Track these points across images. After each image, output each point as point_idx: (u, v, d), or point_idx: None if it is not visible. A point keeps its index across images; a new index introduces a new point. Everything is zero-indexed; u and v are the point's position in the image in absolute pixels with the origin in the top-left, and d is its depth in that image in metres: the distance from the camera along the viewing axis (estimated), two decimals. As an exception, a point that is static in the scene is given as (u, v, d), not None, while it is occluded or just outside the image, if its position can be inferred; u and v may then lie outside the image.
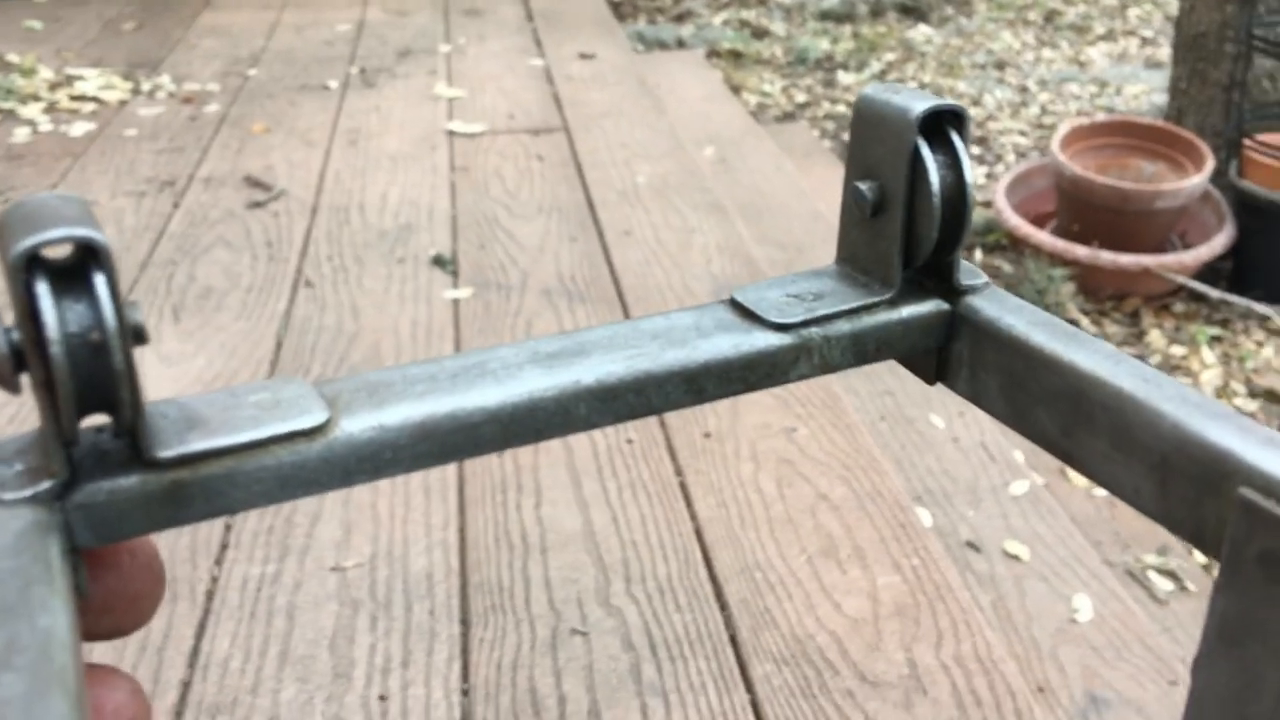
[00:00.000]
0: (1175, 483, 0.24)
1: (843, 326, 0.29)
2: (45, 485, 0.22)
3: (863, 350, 0.30)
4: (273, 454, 0.24)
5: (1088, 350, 0.27)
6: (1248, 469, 0.22)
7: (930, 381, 0.31)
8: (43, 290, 0.21)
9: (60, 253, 0.21)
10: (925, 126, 0.27)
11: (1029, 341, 0.28)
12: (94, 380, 0.21)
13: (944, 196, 0.28)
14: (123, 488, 0.23)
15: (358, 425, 0.24)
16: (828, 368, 0.29)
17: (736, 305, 0.29)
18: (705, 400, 0.29)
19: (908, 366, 0.32)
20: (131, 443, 0.23)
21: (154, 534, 0.24)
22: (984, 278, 0.30)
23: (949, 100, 0.27)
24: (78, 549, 0.23)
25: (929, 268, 0.30)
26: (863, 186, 0.29)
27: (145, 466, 0.23)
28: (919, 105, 0.27)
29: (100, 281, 0.21)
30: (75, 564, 0.23)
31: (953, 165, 0.28)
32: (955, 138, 0.28)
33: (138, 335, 0.22)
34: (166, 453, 0.23)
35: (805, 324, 0.29)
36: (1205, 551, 0.24)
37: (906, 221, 0.28)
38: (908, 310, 0.30)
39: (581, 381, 0.26)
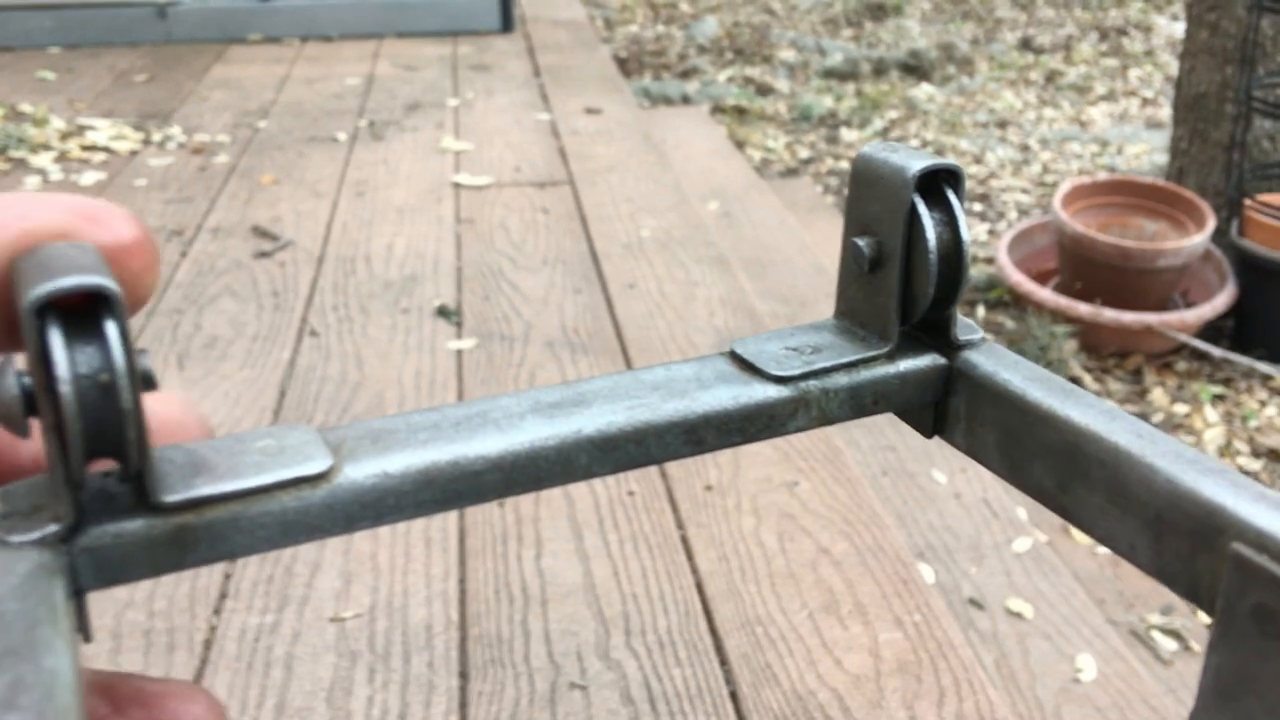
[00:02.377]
0: (1170, 538, 0.24)
1: (841, 380, 0.29)
2: (51, 528, 0.22)
3: (860, 403, 0.30)
4: (277, 499, 0.24)
5: (1083, 406, 0.27)
6: (1240, 524, 0.23)
7: (928, 435, 0.32)
8: (55, 337, 0.21)
9: (73, 300, 0.22)
10: (922, 185, 0.28)
11: (1025, 396, 0.28)
12: (102, 425, 0.22)
13: (940, 253, 0.28)
14: (128, 531, 0.23)
15: (361, 472, 0.25)
16: (825, 420, 0.30)
17: (736, 357, 0.30)
18: (704, 451, 0.29)
19: (905, 420, 0.32)
20: (137, 487, 0.23)
21: (156, 578, 0.24)
22: (980, 333, 0.30)
23: (945, 159, 0.28)
24: (82, 592, 0.23)
25: (926, 323, 0.30)
26: (860, 243, 0.29)
27: (150, 511, 0.23)
28: (916, 164, 0.28)
29: (112, 329, 0.21)
30: (79, 607, 0.23)
31: (949, 223, 0.28)
32: (951, 196, 0.28)
33: (147, 382, 0.22)
34: (172, 497, 0.23)
35: (804, 377, 0.29)
36: (1200, 607, 0.24)
37: (904, 277, 0.29)
38: (905, 364, 0.30)
39: (583, 431, 0.27)
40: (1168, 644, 1.65)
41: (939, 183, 0.28)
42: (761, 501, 1.38)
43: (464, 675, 1.12)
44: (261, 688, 1.10)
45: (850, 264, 0.30)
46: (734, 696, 1.09)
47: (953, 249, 0.28)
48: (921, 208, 0.28)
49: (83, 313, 0.22)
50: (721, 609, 1.20)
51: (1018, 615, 1.52)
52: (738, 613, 1.20)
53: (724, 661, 1.13)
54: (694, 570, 1.26)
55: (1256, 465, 2.40)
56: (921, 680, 1.11)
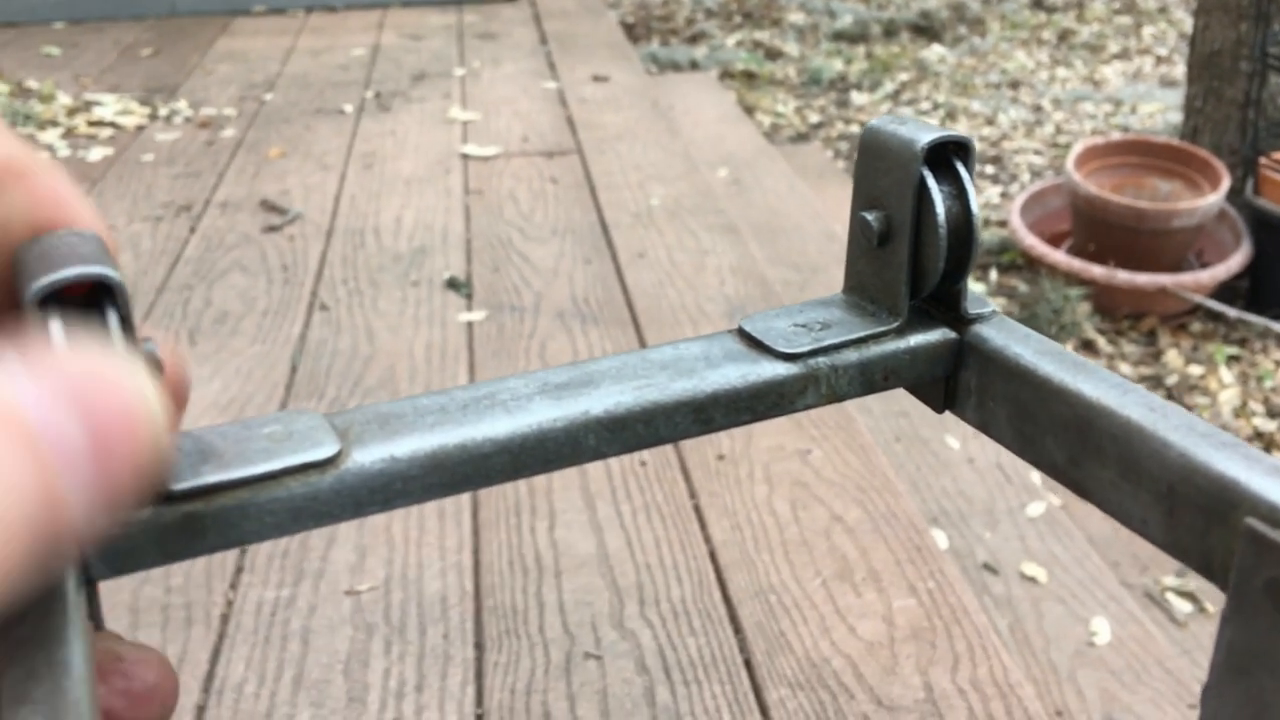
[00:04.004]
0: (1182, 512, 0.24)
1: (850, 356, 0.29)
2: None
3: (870, 379, 0.29)
4: (285, 486, 0.24)
5: (1095, 380, 0.27)
6: (1254, 499, 0.22)
7: (939, 410, 0.31)
8: (58, 327, 0.21)
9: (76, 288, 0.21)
10: (931, 157, 0.27)
11: (1036, 371, 0.28)
12: None
13: (950, 227, 0.28)
14: (137, 520, 0.23)
15: (369, 457, 0.25)
16: (835, 397, 0.29)
17: (744, 335, 0.29)
18: (713, 430, 0.29)
19: (916, 395, 0.32)
20: None
21: (169, 564, 0.24)
22: (991, 306, 0.30)
23: (954, 131, 0.27)
24: (93, 581, 0.23)
25: (936, 297, 0.30)
26: (869, 217, 0.29)
27: (159, 499, 0.23)
28: (924, 136, 0.27)
29: (114, 319, 0.21)
30: (91, 596, 0.23)
31: (958, 195, 0.28)
32: (961, 168, 0.28)
33: (154, 370, 0.22)
34: (180, 485, 0.23)
35: (813, 354, 0.29)
36: (1213, 581, 0.24)
37: (913, 251, 0.28)
38: (915, 339, 0.29)
39: (590, 412, 0.27)
40: (1182, 606, 1.65)
41: (948, 155, 0.28)
42: (774, 470, 1.37)
43: (479, 646, 1.13)
44: (279, 661, 1.11)
45: (859, 238, 0.30)
46: (748, 664, 1.10)
47: (962, 222, 0.28)
48: (930, 181, 0.27)
49: (86, 301, 0.22)
50: (735, 578, 1.20)
51: (1032, 580, 1.52)
52: (751, 581, 1.20)
53: (738, 630, 1.14)
54: (707, 539, 1.27)
55: (1272, 426, 2.39)
56: (936, 646, 1.11)
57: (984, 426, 0.30)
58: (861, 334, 0.29)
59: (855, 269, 0.30)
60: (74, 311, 0.22)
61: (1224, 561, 0.23)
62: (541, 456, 0.26)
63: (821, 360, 0.29)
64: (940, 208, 0.27)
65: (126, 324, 0.22)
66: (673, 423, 0.28)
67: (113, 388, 0.19)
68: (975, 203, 0.28)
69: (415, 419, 0.26)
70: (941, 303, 0.30)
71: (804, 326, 0.29)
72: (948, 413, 0.31)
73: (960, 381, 0.30)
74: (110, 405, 0.19)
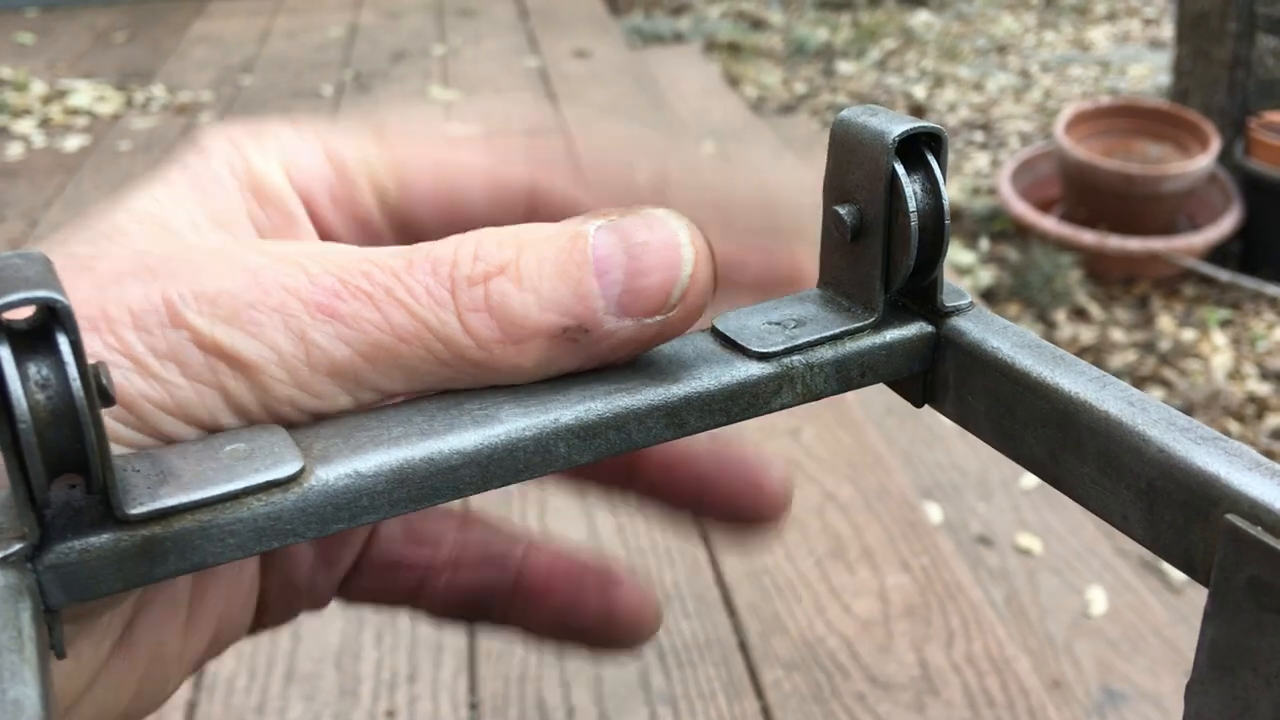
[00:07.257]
0: (1163, 509, 0.24)
1: (825, 353, 0.28)
2: (15, 547, 0.21)
3: (846, 376, 0.29)
4: (247, 506, 0.23)
5: (1074, 373, 0.26)
6: (1234, 495, 0.22)
7: (918, 404, 0.31)
8: (4, 355, 0.20)
9: (23, 314, 0.21)
10: (903, 148, 0.26)
11: (1014, 364, 0.27)
12: (62, 442, 0.21)
13: (921, 219, 0.27)
14: (94, 546, 0.22)
15: (333, 473, 0.24)
16: (811, 395, 0.29)
17: (718, 334, 0.29)
18: (688, 433, 0.28)
19: (895, 390, 0.31)
20: (103, 500, 0.23)
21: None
22: (969, 297, 0.29)
23: (926, 122, 0.26)
24: (52, 609, 0.22)
25: (912, 290, 0.29)
26: (841, 211, 0.28)
27: (117, 524, 0.22)
28: (895, 128, 0.26)
29: (64, 344, 0.21)
30: (51, 624, 0.22)
31: (930, 188, 0.27)
32: (932, 160, 0.27)
33: (105, 396, 0.21)
34: (138, 509, 0.22)
35: (787, 352, 0.28)
36: (1195, 578, 0.24)
37: (886, 245, 0.27)
38: (891, 334, 0.29)
39: (560, 420, 0.26)
40: (1178, 573, 1.65)
41: (920, 146, 0.27)
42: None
43: (472, 635, 1.12)
44: (270, 655, 1.10)
45: (831, 232, 0.29)
46: (743, 646, 1.09)
47: (933, 215, 0.27)
48: (901, 174, 0.26)
49: (33, 327, 0.21)
50: (728, 560, 1.20)
51: (1026, 551, 1.51)
52: (744, 563, 1.19)
53: (732, 612, 1.13)
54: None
55: (1265, 389, 2.39)
56: (930, 623, 1.11)
57: (963, 421, 0.29)
58: (836, 330, 0.28)
59: (829, 264, 0.30)
60: (22, 337, 0.21)
61: (1205, 558, 0.23)
62: (511, 467, 0.26)
63: (796, 359, 0.28)
64: (912, 201, 0.26)
65: (77, 349, 0.21)
66: (645, 428, 0.27)
67: (655, 227, 0.26)
68: (946, 195, 0.27)
69: (380, 432, 0.25)
70: (917, 295, 0.29)
71: (778, 324, 0.29)
72: None
73: (938, 376, 0.29)
74: (647, 239, 0.26)
